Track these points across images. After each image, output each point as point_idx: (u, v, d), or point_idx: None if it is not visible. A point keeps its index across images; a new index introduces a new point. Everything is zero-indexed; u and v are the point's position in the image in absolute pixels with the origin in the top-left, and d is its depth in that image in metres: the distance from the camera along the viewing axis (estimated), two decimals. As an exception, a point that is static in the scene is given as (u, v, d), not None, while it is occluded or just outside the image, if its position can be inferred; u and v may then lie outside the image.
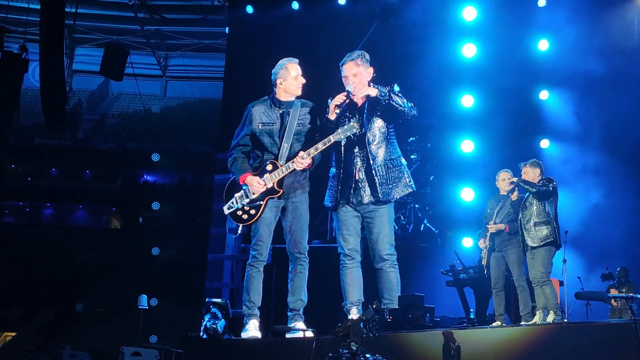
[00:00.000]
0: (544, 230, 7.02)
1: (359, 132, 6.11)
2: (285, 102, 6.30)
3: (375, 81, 6.32)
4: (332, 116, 6.12)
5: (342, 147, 6.26)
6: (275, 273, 9.89)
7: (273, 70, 6.34)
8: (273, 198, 6.24)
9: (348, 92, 6.14)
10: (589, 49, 10.23)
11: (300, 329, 5.89)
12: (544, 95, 10.89)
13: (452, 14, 11.12)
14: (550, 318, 6.85)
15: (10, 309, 21.75)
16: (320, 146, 6.09)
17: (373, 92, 6.07)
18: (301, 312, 6.33)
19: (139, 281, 19.86)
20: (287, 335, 6.19)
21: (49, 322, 20.87)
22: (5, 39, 12.36)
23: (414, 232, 10.88)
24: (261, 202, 6.23)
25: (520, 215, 7.26)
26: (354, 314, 6.10)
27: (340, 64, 6.31)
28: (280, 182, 6.20)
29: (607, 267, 9.06)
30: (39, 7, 10.82)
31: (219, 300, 7.35)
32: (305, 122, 6.33)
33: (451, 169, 10.95)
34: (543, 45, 10.86)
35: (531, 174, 7.26)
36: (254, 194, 6.21)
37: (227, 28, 14.38)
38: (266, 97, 6.45)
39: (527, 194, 7.27)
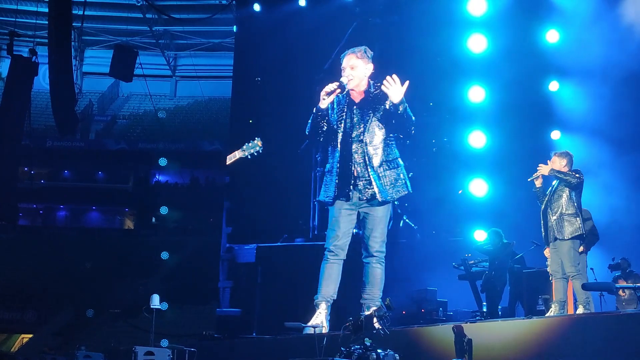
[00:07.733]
0: (574, 224, 6.88)
1: (262, 150, 6.34)
2: None
3: (376, 76, 6.27)
4: (322, 104, 6.08)
5: (339, 143, 6.21)
6: (260, 272, 9.97)
7: None
8: None
9: (341, 82, 6.10)
10: (598, 38, 10.13)
11: (311, 326, 5.88)
12: (554, 86, 10.82)
13: (460, 7, 11.06)
14: (579, 311, 6.72)
15: (27, 311, 21.89)
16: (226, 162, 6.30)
17: (396, 98, 5.97)
18: None
19: (154, 281, 19.93)
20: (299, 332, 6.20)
21: (66, 324, 20.98)
22: (15, 42, 12.44)
23: (393, 228, 10.82)
24: None
25: (548, 206, 7.07)
26: (322, 309, 6.07)
27: (341, 55, 6.30)
28: None
29: (614, 258, 9.01)
30: (47, 10, 10.87)
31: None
32: None
33: (459, 162, 10.90)
34: (552, 36, 10.79)
35: (557, 163, 7.08)
36: None
37: (234, 26, 14.40)
38: None
39: (556, 184, 7.11)
